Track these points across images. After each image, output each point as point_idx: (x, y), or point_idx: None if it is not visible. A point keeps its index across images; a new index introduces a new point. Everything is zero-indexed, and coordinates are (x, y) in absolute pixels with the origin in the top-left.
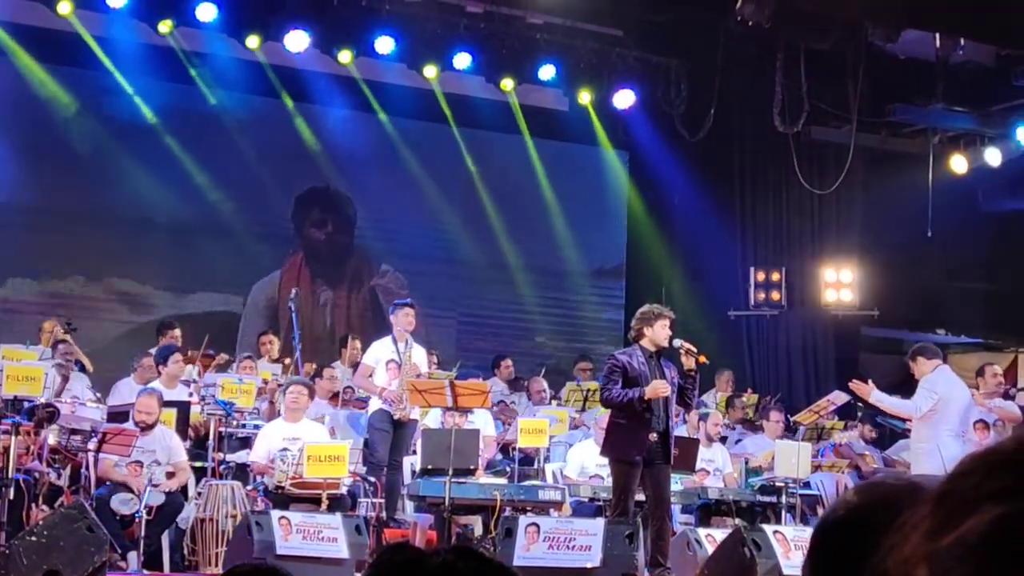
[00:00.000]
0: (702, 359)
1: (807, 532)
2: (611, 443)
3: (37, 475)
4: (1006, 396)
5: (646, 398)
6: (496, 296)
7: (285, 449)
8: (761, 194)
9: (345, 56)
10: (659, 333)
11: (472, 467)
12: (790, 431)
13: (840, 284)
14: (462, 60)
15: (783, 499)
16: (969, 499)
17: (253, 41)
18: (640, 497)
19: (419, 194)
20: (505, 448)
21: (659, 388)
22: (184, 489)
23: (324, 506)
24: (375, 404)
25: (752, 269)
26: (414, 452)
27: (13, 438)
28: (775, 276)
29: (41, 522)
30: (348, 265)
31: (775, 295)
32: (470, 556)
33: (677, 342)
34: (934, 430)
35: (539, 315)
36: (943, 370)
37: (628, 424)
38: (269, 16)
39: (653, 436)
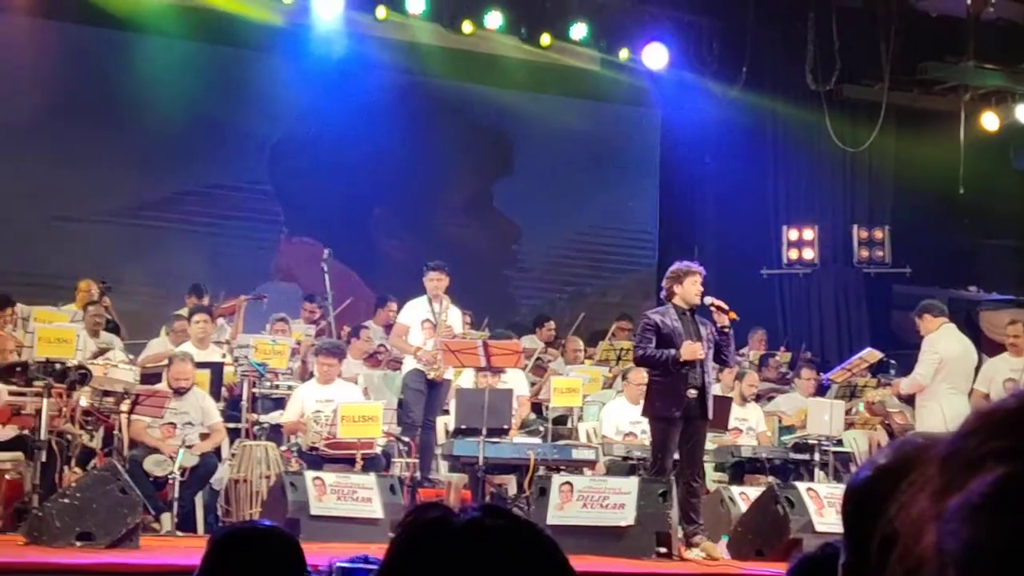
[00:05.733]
0: (732, 315)
1: (840, 489)
2: (650, 401)
3: (70, 437)
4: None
5: (681, 360)
6: (527, 254)
7: (318, 411)
8: (793, 152)
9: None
10: (689, 290)
11: (506, 427)
12: (822, 389)
13: (872, 241)
14: (494, 19)
15: (816, 457)
16: (973, 459)
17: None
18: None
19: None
20: (538, 407)
21: (696, 351)
22: (218, 450)
23: (358, 466)
24: (409, 364)
25: (785, 227)
26: (446, 412)
27: (45, 400)
28: (808, 234)
29: (74, 484)
30: None
31: (808, 253)
32: (498, 515)
33: (707, 300)
34: (935, 388)
35: (572, 274)
36: (947, 328)
37: (666, 382)
38: None
39: (692, 393)
